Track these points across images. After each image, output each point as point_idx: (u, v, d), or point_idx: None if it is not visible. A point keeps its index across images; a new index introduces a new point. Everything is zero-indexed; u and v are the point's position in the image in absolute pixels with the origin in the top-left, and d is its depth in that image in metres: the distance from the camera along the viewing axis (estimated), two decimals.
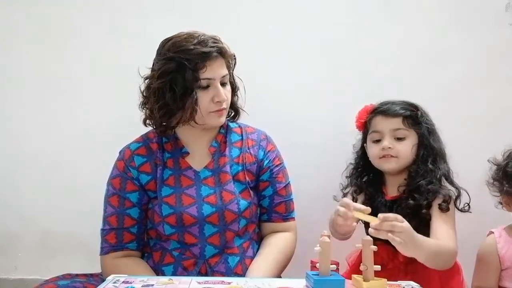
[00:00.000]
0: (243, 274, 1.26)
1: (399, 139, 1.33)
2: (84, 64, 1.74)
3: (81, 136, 1.75)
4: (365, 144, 1.42)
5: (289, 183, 1.40)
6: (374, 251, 1.01)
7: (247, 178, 1.33)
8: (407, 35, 1.65)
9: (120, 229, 1.27)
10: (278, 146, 1.43)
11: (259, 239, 1.38)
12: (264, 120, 1.50)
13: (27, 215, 1.79)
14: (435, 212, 1.28)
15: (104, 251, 1.28)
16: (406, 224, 1.06)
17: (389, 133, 1.34)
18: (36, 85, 1.76)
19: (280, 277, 1.29)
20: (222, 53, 1.27)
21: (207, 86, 1.25)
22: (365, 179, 1.43)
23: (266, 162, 1.36)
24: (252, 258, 1.30)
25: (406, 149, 1.33)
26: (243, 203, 1.29)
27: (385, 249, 1.28)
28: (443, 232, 1.24)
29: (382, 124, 1.35)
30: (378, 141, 1.35)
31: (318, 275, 0.98)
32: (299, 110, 1.69)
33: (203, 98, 1.25)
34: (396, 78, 1.64)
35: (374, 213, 1.33)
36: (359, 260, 1.26)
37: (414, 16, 1.65)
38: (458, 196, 1.32)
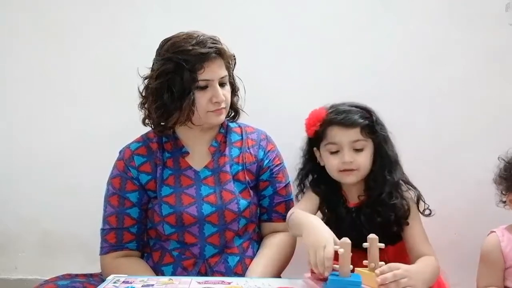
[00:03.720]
0: (243, 274, 1.26)
1: (358, 150, 1.26)
2: (84, 64, 1.74)
3: (81, 136, 1.75)
4: (314, 148, 1.35)
5: (289, 182, 1.40)
6: (380, 248, 1.03)
7: (247, 178, 1.33)
8: (407, 34, 1.65)
9: (120, 229, 1.27)
10: (278, 146, 1.43)
11: (259, 239, 1.38)
12: (264, 120, 1.50)
13: (27, 215, 1.80)
14: (412, 227, 1.26)
15: (104, 251, 1.28)
16: (403, 266, 1.04)
17: (348, 145, 1.26)
18: (36, 85, 1.76)
19: (280, 277, 1.29)
20: (221, 54, 1.26)
21: (206, 87, 1.25)
22: (324, 187, 1.35)
23: (266, 162, 1.36)
24: (252, 258, 1.30)
25: (365, 160, 1.27)
26: (243, 202, 1.29)
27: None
28: (421, 245, 1.23)
29: (340, 136, 1.26)
30: (335, 152, 1.27)
31: (338, 275, 0.99)
32: (298, 109, 1.68)
33: (201, 99, 1.25)
34: (396, 78, 1.64)
35: (337, 222, 1.28)
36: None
37: (414, 15, 1.65)
38: (418, 200, 1.29)
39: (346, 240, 1.01)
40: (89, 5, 1.73)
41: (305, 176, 1.39)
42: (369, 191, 1.29)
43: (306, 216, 1.19)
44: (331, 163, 1.29)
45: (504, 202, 1.33)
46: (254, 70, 1.55)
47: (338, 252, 1.00)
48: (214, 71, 1.25)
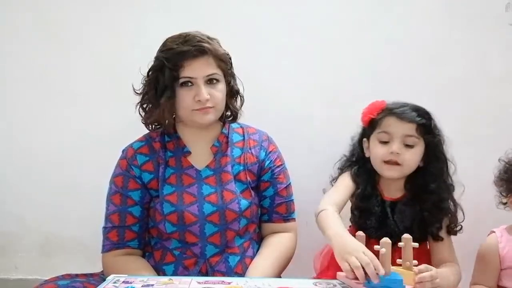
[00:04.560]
0: (243, 274, 1.26)
1: (408, 145, 1.29)
2: (84, 64, 1.74)
3: (81, 136, 1.75)
4: (364, 139, 1.39)
5: (290, 184, 1.40)
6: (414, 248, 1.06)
7: (248, 178, 1.33)
8: (407, 34, 1.65)
9: (122, 227, 1.27)
10: (278, 146, 1.43)
11: (259, 239, 1.38)
12: (264, 119, 1.50)
13: (27, 215, 1.79)
14: (443, 232, 1.30)
15: (105, 249, 1.28)
16: (434, 268, 1.07)
17: (400, 137, 1.28)
18: (36, 85, 1.76)
19: (280, 277, 1.29)
20: (204, 52, 1.24)
21: (191, 85, 1.25)
22: (362, 178, 1.38)
23: (267, 162, 1.36)
24: (252, 258, 1.30)
25: (412, 158, 1.29)
26: (243, 202, 1.29)
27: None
28: (450, 254, 1.28)
29: (395, 126, 1.29)
30: (385, 142, 1.30)
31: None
32: (298, 109, 1.69)
33: (186, 97, 1.25)
34: (396, 78, 1.64)
35: (366, 213, 1.33)
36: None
37: (414, 15, 1.65)
38: (456, 213, 1.32)
39: (386, 240, 1.04)
40: (89, 5, 1.73)
41: (350, 163, 1.42)
42: (425, 193, 1.30)
43: (333, 225, 1.19)
44: (378, 152, 1.31)
45: (505, 203, 1.33)
46: (254, 70, 1.55)
47: (380, 252, 1.03)
48: (195, 69, 1.24)
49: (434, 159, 1.31)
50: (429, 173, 1.31)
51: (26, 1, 1.75)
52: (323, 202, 1.29)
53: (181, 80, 1.25)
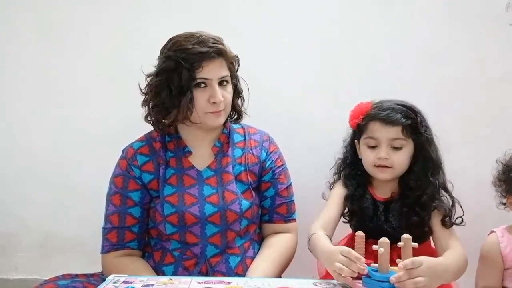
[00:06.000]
0: (243, 275, 1.26)
1: (396, 148, 1.28)
2: (84, 64, 1.74)
3: (81, 136, 1.75)
4: (355, 141, 1.39)
5: (290, 184, 1.40)
6: (414, 248, 1.04)
7: (250, 179, 1.33)
8: (407, 34, 1.65)
9: (121, 228, 1.27)
10: (279, 146, 1.43)
11: (260, 240, 1.38)
12: (264, 119, 1.50)
13: (27, 215, 1.80)
14: (438, 226, 1.28)
15: (105, 250, 1.28)
16: (424, 262, 1.04)
17: (387, 142, 1.28)
18: (36, 85, 1.76)
19: (281, 277, 1.29)
20: (221, 53, 1.25)
21: (204, 86, 1.25)
22: (355, 180, 1.38)
23: (268, 163, 1.36)
24: (252, 258, 1.30)
25: (402, 159, 1.28)
26: (245, 203, 1.29)
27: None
28: (453, 243, 1.24)
29: (380, 132, 1.28)
30: (373, 147, 1.31)
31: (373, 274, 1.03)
32: (298, 109, 1.69)
33: (200, 98, 1.25)
34: (396, 78, 1.64)
35: (359, 214, 1.34)
36: None
37: (414, 15, 1.65)
38: (452, 207, 1.30)
39: (385, 239, 1.03)
40: (89, 5, 1.73)
41: (344, 166, 1.42)
42: (409, 190, 1.30)
43: (320, 244, 1.20)
44: (367, 157, 1.32)
45: (504, 204, 1.33)
46: (254, 70, 1.54)
47: (378, 252, 1.03)
48: (212, 70, 1.24)
49: (420, 157, 1.30)
50: (412, 171, 1.31)
51: (26, 1, 1.75)
52: (314, 225, 1.29)
53: (199, 82, 1.24)
